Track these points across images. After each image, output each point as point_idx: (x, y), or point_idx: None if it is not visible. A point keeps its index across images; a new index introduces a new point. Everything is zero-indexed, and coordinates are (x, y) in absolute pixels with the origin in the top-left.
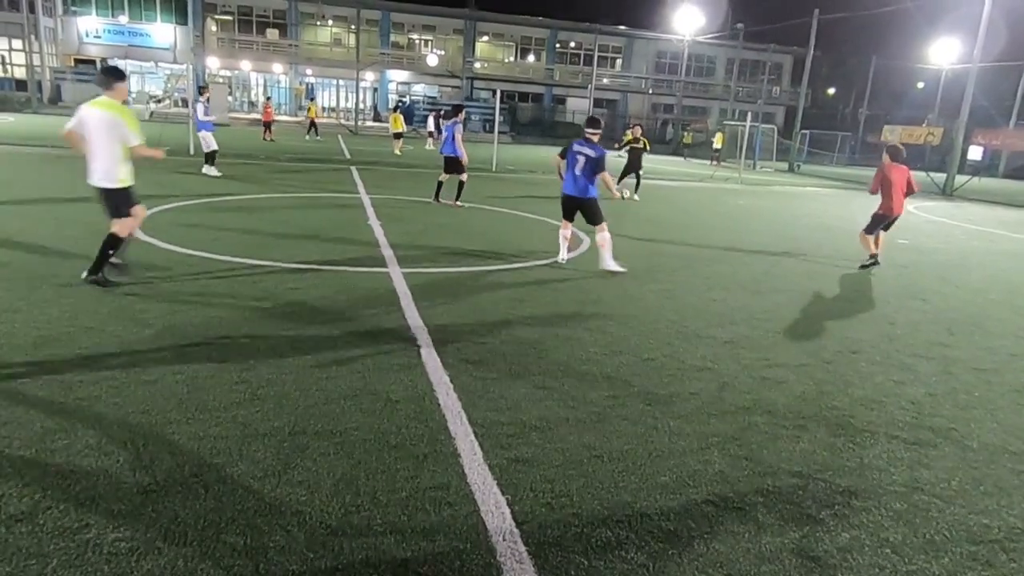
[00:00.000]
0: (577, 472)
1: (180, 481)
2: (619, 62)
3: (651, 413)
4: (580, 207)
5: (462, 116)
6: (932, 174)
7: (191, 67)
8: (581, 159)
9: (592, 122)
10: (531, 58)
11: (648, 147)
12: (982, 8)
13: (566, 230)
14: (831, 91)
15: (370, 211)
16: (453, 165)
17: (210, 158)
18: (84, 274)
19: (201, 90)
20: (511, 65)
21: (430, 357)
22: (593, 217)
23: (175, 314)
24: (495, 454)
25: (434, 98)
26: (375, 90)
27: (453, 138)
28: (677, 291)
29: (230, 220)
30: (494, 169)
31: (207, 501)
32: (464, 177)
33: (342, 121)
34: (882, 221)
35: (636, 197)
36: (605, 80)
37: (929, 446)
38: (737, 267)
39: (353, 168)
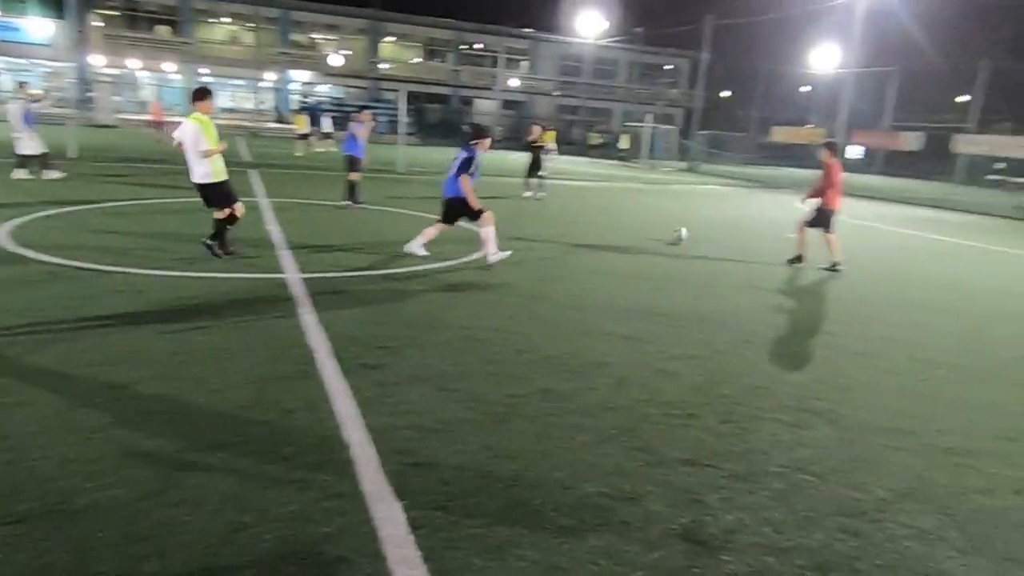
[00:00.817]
0: (475, 473)
1: (45, 512)
2: (525, 64)
3: (551, 410)
4: (451, 207)
5: (368, 116)
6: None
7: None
8: (456, 163)
9: (473, 130)
10: (438, 59)
11: (545, 145)
12: (856, 19)
13: (425, 235)
14: (726, 94)
15: (268, 215)
16: (355, 164)
17: (40, 160)
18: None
19: (21, 86)
20: (417, 66)
21: (327, 363)
22: (466, 214)
23: (48, 332)
24: (391, 460)
25: (339, 99)
26: (277, 91)
27: (355, 137)
28: (581, 289)
29: (115, 226)
30: (400, 171)
31: (76, 531)
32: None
33: (242, 122)
34: (826, 217)
35: (539, 196)
36: (512, 82)
37: (809, 427)
38: (640, 264)
39: (252, 171)
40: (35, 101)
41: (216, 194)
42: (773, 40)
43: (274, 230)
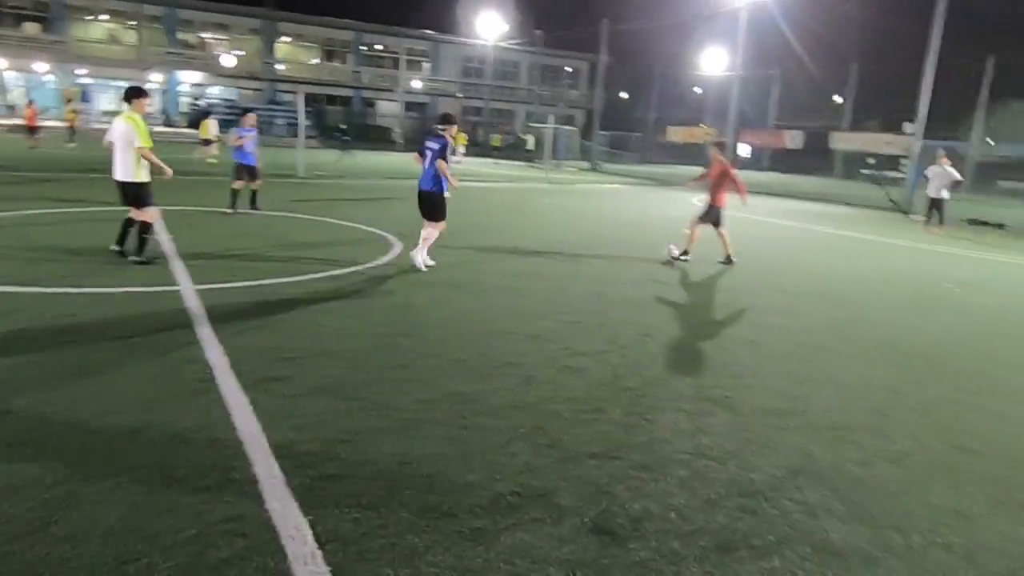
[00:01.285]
0: (385, 482)
1: None
2: (427, 66)
3: (461, 413)
4: (425, 201)
5: (253, 119)
6: None
7: None
8: (429, 152)
9: (442, 118)
10: (337, 61)
11: (457, 146)
12: (740, 24)
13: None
14: (624, 95)
15: (158, 224)
16: (248, 172)
17: None
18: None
19: None
20: (316, 67)
21: (226, 378)
22: (434, 213)
23: None
24: (297, 474)
25: (232, 101)
26: (164, 92)
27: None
28: (488, 291)
29: None
30: (301, 174)
31: None
32: (258, 184)
33: None
34: (715, 213)
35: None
36: (414, 83)
37: (707, 414)
38: (545, 264)
39: None
40: None
41: (138, 194)
42: (666, 44)
43: (165, 240)
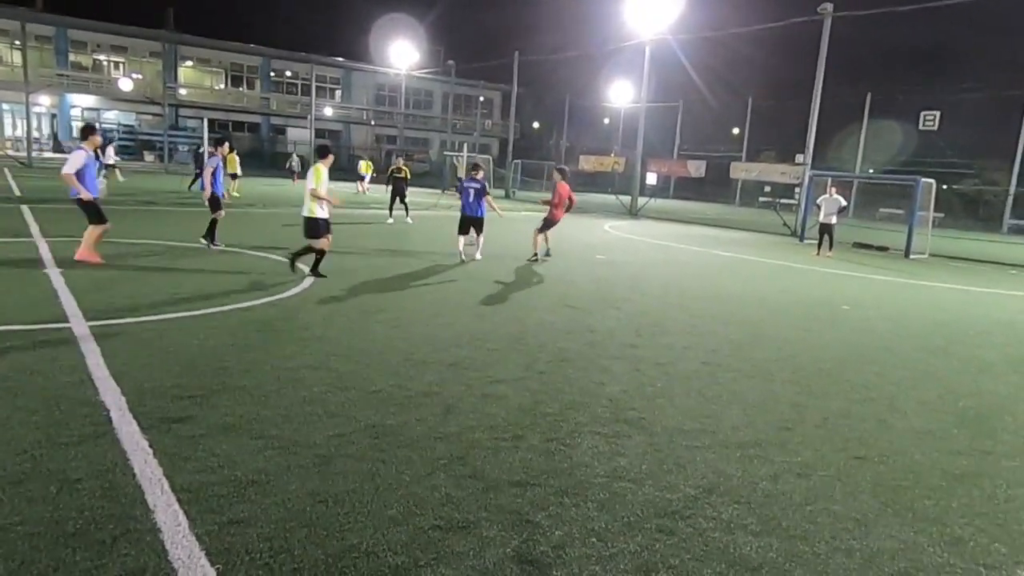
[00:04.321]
0: (299, 523)
1: None
2: (339, 93)
3: (378, 446)
4: (473, 223)
5: (224, 150)
6: (620, 197)
7: None
8: (472, 190)
9: (475, 167)
10: (244, 86)
11: (408, 177)
12: (644, 58)
13: (461, 243)
14: (536, 124)
15: (48, 257)
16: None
17: None
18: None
19: None
20: (222, 92)
21: (123, 421)
22: (480, 228)
23: None
24: (204, 520)
25: (130, 126)
26: (54, 116)
27: (214, 174)
28: (404, 320)
29: None
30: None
31: None
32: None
33: (9, 152)
34: (552, 224)
35: (409, 220)
36: (326, 111)
37: (624, 437)
38: (464, 292)
39: (25, 207)
40: None
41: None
42: (577, 75)
43: (53, 273)
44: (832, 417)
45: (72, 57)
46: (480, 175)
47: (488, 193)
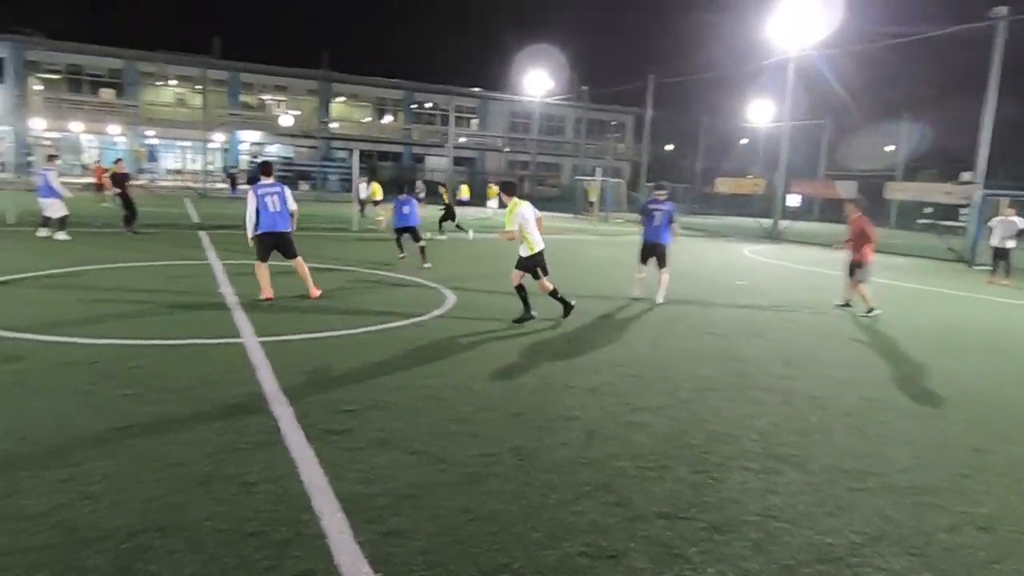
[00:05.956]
0: (452, 539)
1: None
2: (475, 122)
3: (523, 468)
4: (658, 252)
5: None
6: (761, 220)
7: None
8: (658, 213)
9: (660, 186)
10: (388, 118)
11: (446, 199)
12: (788, 75)
13: (642, 273)
14: (670, 147)
15: (221, 277)
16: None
17: (62, 223)
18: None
19: (51, 158)
20: (368, 125)
21: (291, 431)
22: (665, 260)
23: None
24: (365, 530)
25: (289, 158)
26: (225, 151)
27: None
28: (542, 343)
29: (59, 295)
30: (355, 229)
31: None
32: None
33: (189, 184)
34: (859, 267)
35: (443, 236)
36: (462, 139)
37: (777, 473)
38: (598, 316)
39: (202, 232)
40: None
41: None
42: (713, 95)
43: (228, 292)
44: (1020, 464)
45: (242, 97)
46: (665, 195)
47: (673, 219)
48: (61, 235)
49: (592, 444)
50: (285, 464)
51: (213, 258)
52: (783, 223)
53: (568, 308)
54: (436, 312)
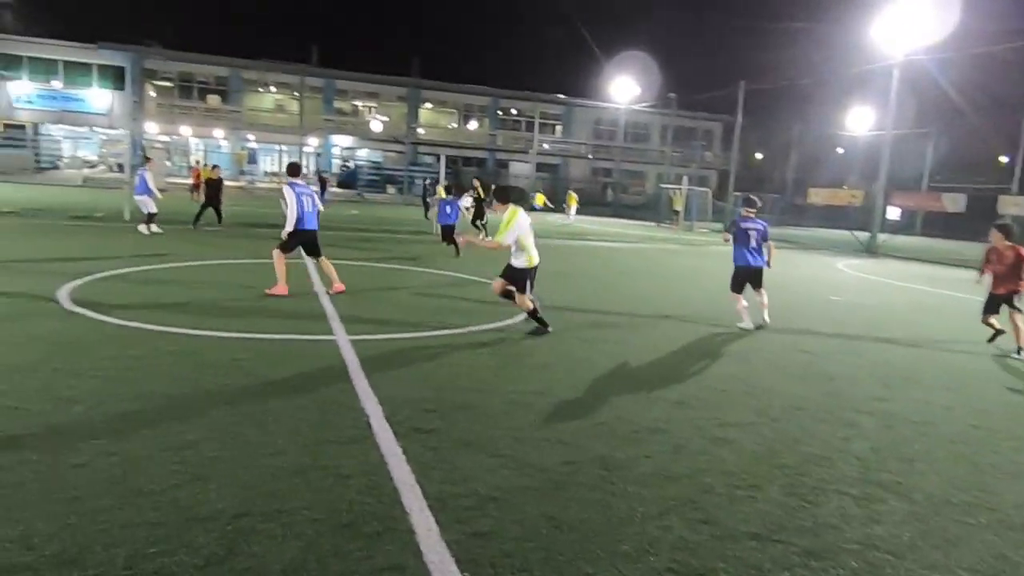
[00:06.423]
0: (537, 544)
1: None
2: (559, 128)
3: (608, 479)
4: (754, 277)
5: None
6: (856, 233)
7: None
8: (753, 234)
9: (750, 202)
10: (474, 124)
11: (485, 197)
12: (891, 81)
13: (743, 301)
14: (758, 155)
15: (315, 276)
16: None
17: (151, 218)
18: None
19: (148, 160)
20: (454, 131)
21: (381, 428)
22: (760, 282)
23: (107, 390)
24: (452, 529)
25: (378, 163)
26: (318, 155)
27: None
28: (626, 352)
29: (168, 287)
30: (434, 232)
31: None
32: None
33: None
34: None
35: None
36: (546, 146)
37: (878, 501)
38: (684, 327)
39: None
40: (92, 167)
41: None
42: (806, 103)
43: (322, 292)
44: None
45: (336, 103)
46: (754, 212)
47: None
48: (151, 228)
49: (679, 458)
50: (376, 459)
51: (307, 256)
52: (882, 236)
53: (543, 325)
54: (521, 316)
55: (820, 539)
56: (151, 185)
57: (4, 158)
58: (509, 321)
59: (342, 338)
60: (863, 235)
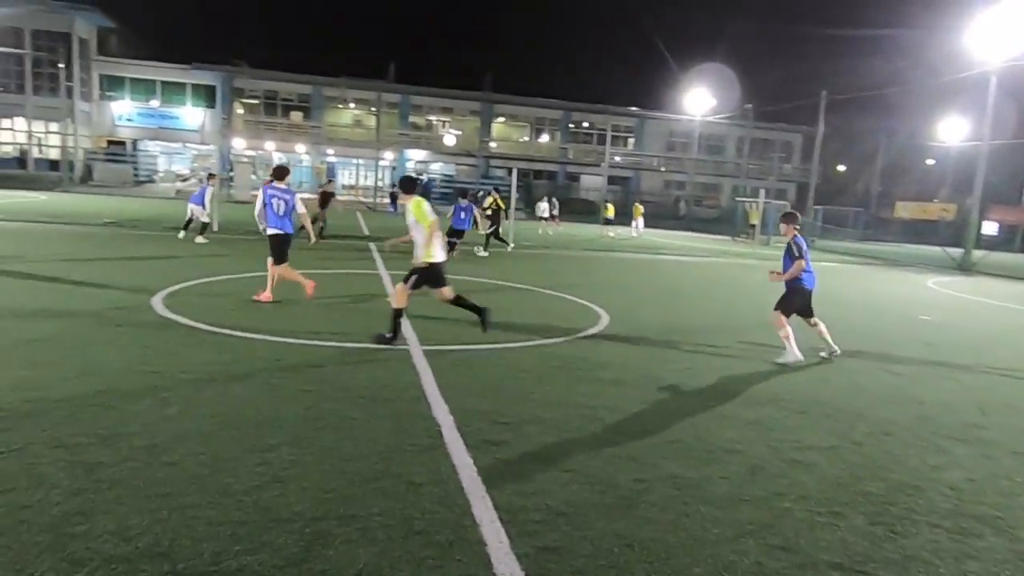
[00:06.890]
0: (608, 563)
1: (199, 570)
2: (631, 141)
3: (681, 498)
4: (808, 300)
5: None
6: (948, 249)
7: (217, 148)
8: (808, 254)
9: (790, 216)
10: (545, 137)
11: (503, 207)
12: (988, 88)
13: (818, 325)
14: (841, 167)
15: (390, 288)
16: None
17: (203, 228)
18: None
19: (211, 177)
20: (526, 144)
21: (452, 438)
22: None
23: (198, 393)
24: (522, 542)
25: (451, 176)
26: (394, 168)
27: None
28: (699, 370)
29: (250, 296)
30: (511, 244)
31: None
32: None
33: (361, 198)
34: None
35: (485, 253)
36: (618, 158)
37: (975, 536)
38: (758, 343)
39: (372, 244)
40: (184, 180)
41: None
42: (893, 112)
43: (395, 302)
44: None
45: (411, 118)
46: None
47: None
48: (199, 239)
49: (755, 480)
50: (447, 468)
51: (381, 268)
52: (977, 253)
53: (392, 333)
54: (592, 330)
55: (909, 573)
56: (206, 199)
57: (108, 172)
58: (581, 335)
59: (415, 348)
60: (956, 251)
